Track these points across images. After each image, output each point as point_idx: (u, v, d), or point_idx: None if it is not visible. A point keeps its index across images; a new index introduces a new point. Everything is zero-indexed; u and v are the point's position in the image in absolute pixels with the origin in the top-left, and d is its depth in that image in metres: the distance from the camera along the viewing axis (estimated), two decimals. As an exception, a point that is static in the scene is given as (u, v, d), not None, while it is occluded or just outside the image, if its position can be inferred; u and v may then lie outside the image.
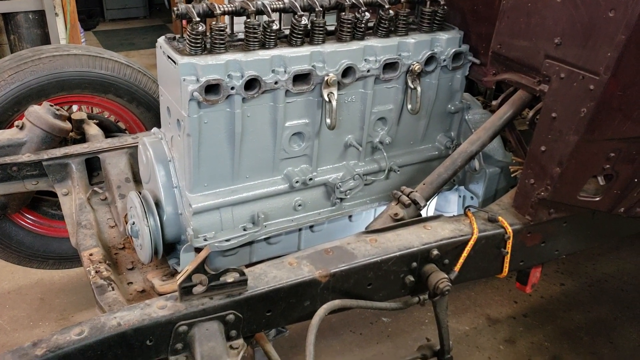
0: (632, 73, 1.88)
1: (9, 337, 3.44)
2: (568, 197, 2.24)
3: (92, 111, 3.42)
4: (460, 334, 3.55)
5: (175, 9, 2.09)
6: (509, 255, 2.32)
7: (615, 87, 1.90)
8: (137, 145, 2.67)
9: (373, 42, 2.41)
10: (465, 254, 2.19)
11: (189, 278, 1.79)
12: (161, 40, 2.27)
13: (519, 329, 3.63)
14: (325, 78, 2.28)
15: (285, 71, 2.23)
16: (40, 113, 2.86)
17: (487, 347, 3.48)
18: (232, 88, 2.14)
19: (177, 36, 2.25)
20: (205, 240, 2.33)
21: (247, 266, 2.00)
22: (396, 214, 2.28)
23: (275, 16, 2.28)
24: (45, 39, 6.12)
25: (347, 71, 2.36)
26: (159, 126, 2.59)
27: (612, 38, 1.84)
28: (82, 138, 3.15)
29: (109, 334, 1.70)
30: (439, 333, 2.23)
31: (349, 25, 2.36)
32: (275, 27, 2.22)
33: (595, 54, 1.91)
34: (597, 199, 2.25)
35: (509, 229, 2.28)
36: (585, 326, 3.66)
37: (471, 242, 2.19)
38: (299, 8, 2.24)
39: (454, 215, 2.38)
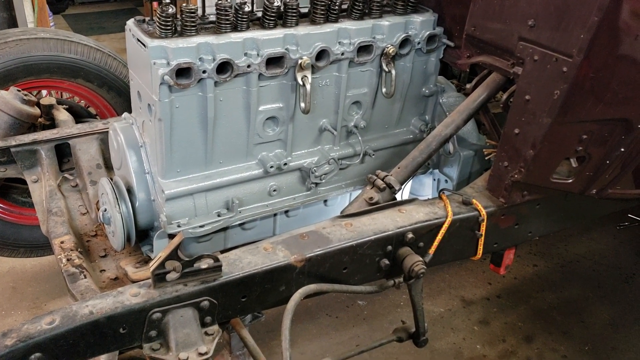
0: (604, 55, 1.89)
1: (-20, 327, 3.39)
2: (541, 179, 2.25)
3: (61, 96, 3.35)
4: (435, 316, 3.59)
5: (144, -10, 2.05)
6: (483, 238, 2.34)
7: (588, 69, 1.91)
8: (108, 131, 2.63)
9: (347, 24, 2.39)
10: (439, 236, 2.20)
11: (162, 265, 1.77)
12: (130, 22, 2.22)
13: (492, 310, 3.67)
14: (299, 61, 2.26)
15: (258, 54, 2.20)
16: (7, 98, 2.79)
17: (461, 328, 3.52)
18: (204, 72, 2.10)
19: (147, 19, 2.21)
20: (178, 226, 2.30)
21: (222, 252, 1.98)
22: (371, 198, 2.28)
23: (247, -2, 2.24)
24: (12, 23, 5.96)
25: (321, 54, 2.34)
26: (130, 111, 2.54)
27: (585, 20, 1.84)
28: (52, 124, 3.08)
29: (81, 322, 1.67)
30: (414, 315, 2.24)
31: (322, 7, 2.33)
32: (247, 9, 2.18)
33: (568, 35, 1.91)
34: (570, 180, 2.27)
35: (483, 212, 2.29)
36: (557, 306, 3.72)
37: (445, 225, 2.20)
38: (271, -10, 2.21)
39: (428, 199, 2.38)
